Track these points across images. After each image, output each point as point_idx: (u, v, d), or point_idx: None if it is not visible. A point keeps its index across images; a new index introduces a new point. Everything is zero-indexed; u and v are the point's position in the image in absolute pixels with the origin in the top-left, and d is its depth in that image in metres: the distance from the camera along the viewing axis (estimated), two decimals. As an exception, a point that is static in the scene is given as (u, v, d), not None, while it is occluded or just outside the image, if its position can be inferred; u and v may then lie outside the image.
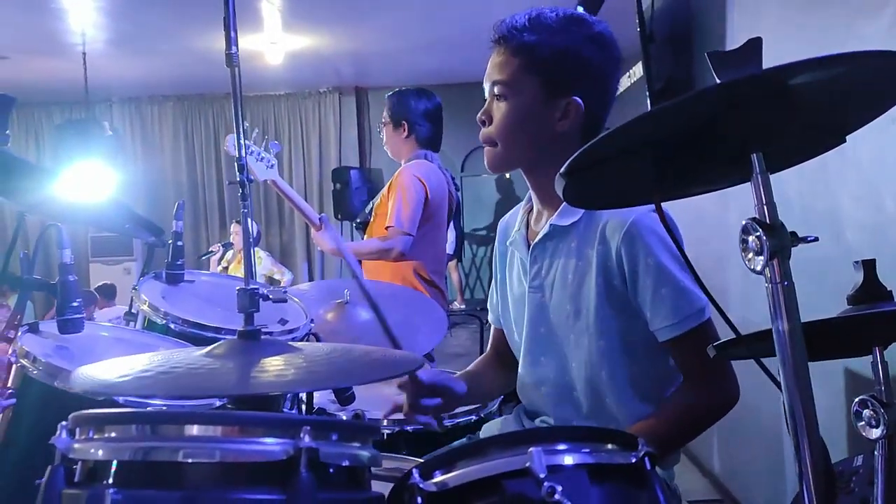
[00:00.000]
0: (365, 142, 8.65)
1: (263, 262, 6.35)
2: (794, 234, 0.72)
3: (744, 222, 0.73)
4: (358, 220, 3.38)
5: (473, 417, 1.90)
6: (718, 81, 0.63)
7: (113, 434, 0.70)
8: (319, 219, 2.89)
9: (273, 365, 0.95)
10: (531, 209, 1.53)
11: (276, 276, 6.23)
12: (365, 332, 2.30)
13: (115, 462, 0.68)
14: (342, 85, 8.65)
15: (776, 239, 0.70)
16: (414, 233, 2.90)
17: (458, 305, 8.28)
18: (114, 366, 0.91)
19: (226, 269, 6.12)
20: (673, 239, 0.79)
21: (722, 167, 0.75)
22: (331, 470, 0.70)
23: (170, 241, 1.94)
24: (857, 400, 0.90)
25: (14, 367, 1.32)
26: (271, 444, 0.68)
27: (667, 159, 0.71)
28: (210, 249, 6.52)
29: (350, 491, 0.74)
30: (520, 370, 1.54)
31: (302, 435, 0.68)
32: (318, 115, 8.70)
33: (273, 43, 6.69)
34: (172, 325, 1.72)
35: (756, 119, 0.68)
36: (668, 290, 1.31)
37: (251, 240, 2.75)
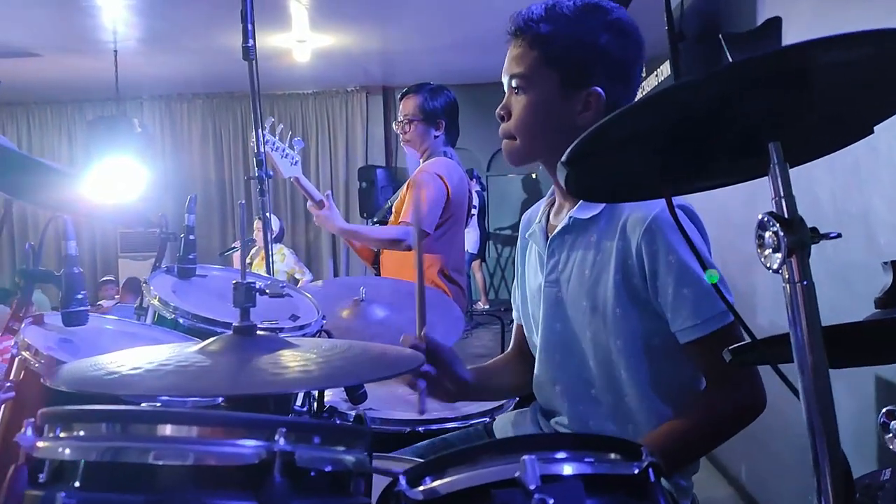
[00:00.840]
0: (391, 141, 8.64)
1: (286, 259, 6.34)
2: (814, 230, 0.66)
3: (760, 217, 0.67)
4: (376, 220, 3.35)
5: (487, 419, 1.85)
6: (731, 61, 0.57)
7: (81, 432, 0.67)
8: (327, 196, 2.86)
9: (267, 363, 0.92)
10: (553, 202, 1.49)
11: (297, 276, 6.22)
12: (380, 331, 2.26)
13: (82, 462, 0.64)
14: (369, 84, 8.65)
15: (795, 235, 0.64)
16: (430, 230, 2.85)
17: (481, 306, 8.23)
18: (102, 362, 0.88)
19: (249, 265, 6.14)
20: (685, 237, 0.73)
21: (737, 158, 0.69)
22: (312, 474, 0.66)
23: (182, 235, 1.92)
24: (884, 410, 0.84)
25: (15, 359, 1.30)
26: (244, 447, 0.63)
27: (676, 149, 0.66)
28: (232, 246, 6.54)
29: (331, 497, 0.70)
30: (535, 367, 1.50)
31: (277, 437, 0.64)
32: (345, 113, 8.71)
33: (300, 41, 6.70)
34: (181, 320, 1.70)
35: (773, 105, 0.62)
36: (691, 290, 1.25)
37: (271, 234, 2.74)
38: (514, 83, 1.37)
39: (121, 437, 0.64)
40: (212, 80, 8.18)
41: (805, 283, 0.65)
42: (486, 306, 8.20)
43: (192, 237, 1.95)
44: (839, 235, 0.67)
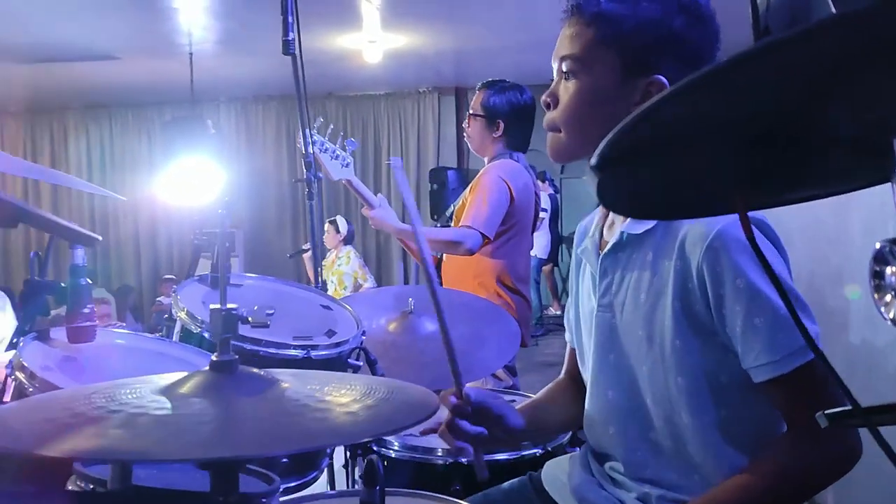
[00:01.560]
0: (463, 142, 8.48)
1: (352, 262, 6.27)
2: (962, 266, 0.45)
3: (878, 245, 0.47)
4: (439, 225, 3.19)
5: (539, 451, 1.66)
6: (835, 12, 0.37)
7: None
8: (380, 197, 2.72)
9: (244, 412, 0.76)
10: (608, 213, 1.29)
11: (360, 280, 6.14)
12: (428, 347, 2.10)
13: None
14: (442, 85, 8.54)
15: (932, 274, 0.44)
16: (490, 234, 2.67)
17: (553, 311, 7.99)
18: (47, 405, 0.73)
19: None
20: (759, 254, 0.53)
21: (842, 159, 0.49)
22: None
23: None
24: None
25: (9, 380, 1.18)
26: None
27: (755, 145, 0.46)
28: (302, 247, 6.53)
29: None
30: (586, 403, 1.30)
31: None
32: (416, 114, 8.63)
33: (372, 42, 6.62)
34: (207, 335, 1.57)
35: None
36: (765, 319, 1.03)
37: (316, 235, 2.61)
38: (564, 66, 1.19)
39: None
40: (286, 81, 8.17)
41: (948, 345, 0.44)
42: (558, 312, 7.95)
43: (226, 244, 1.82)
44: None
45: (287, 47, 1.91)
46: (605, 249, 1.23)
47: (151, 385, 0.78)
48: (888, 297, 0.46)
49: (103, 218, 9.07)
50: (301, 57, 1.97)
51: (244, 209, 8.31)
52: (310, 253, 6.32)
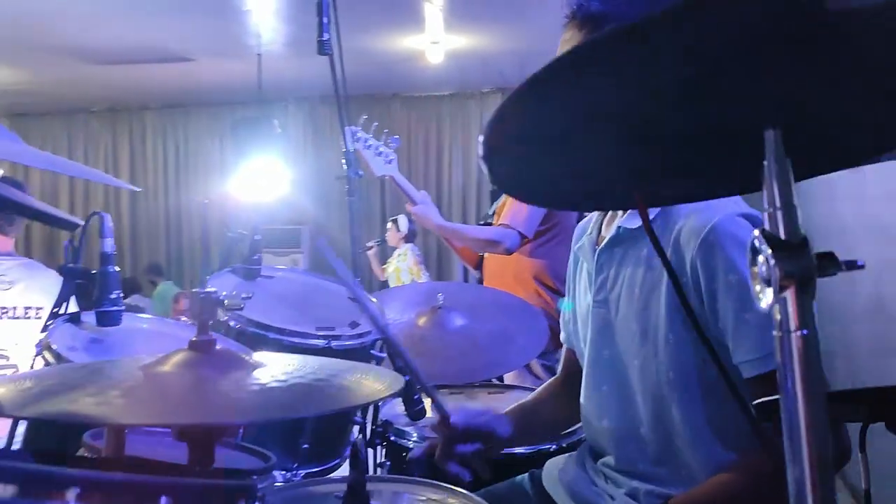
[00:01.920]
0: (525, 142, 8.47)
1: (408, 259, 6.39)
2: (826, 256, 0.46)
3: (755, 233, 0.48)
4: (480, 223, 3.23)
5: (553, 447, 1.67)
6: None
7: None
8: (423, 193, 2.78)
9: (214, 387, 0.81)
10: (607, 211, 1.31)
11: (415, 277, 6.24)
12: (456, 341, 2.14)
13: None
14: (505, 86, 8.54)
15: (793, 262, 0.45)
16: (529, 234, 2.69)
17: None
18: (41, 377, 0.80)
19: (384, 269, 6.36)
20: (660, 252, 0.54)
21: (730, 155, 0.50)
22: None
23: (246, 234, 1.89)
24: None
25: (39, 360, 1.28)
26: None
27: (639, 136, 0.47)
28: (366, 244, 6.67)
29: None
30: (581, 398, 1.32)
31: None
32: (480, 115, 8.65)
33: (434, 43, 6.68)
34: (232, 323, 1.65)
35: (774, 69, 0.43)
36: (755, 315, 1.04)
37: (355, 233, 2.66)
38: None
39: None
40: (352, 81, 8.29)
41: (804, 332, 0.45)
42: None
43: (257, 237, 1.91)
44: (863, 266, 0.46)
45: (322, 48, 1.97)
46: (602, 245, 1.24)
47: (136, 362, 0.85)
48: (759, 285, 0.48)
49: (177, 215, 9.42)
50: (342, 56, 2.03)
51: (310, 207, 8.49)
52: (374, 250, 6.48)
